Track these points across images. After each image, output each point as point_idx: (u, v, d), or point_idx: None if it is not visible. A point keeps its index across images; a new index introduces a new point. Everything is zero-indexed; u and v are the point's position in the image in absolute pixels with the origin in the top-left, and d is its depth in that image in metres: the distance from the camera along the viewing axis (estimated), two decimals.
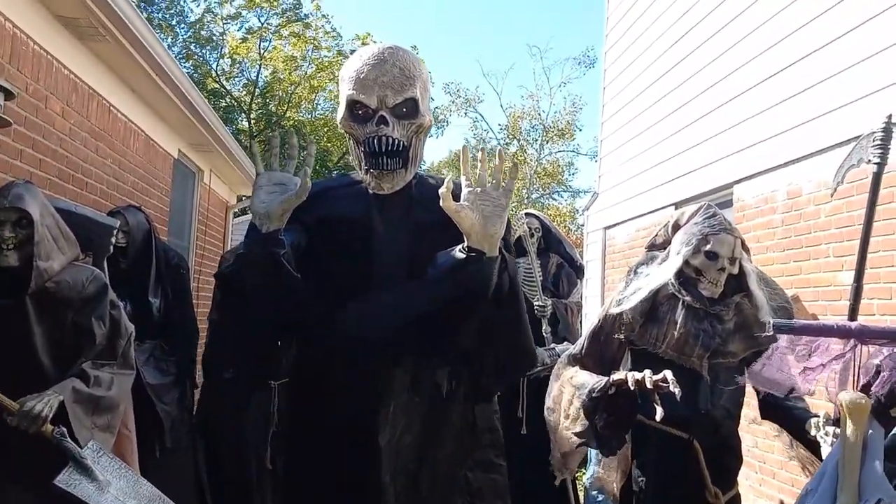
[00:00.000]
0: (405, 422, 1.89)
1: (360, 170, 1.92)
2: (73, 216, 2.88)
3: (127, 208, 3.84)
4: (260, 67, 23.16)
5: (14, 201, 2.37)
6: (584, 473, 3.96)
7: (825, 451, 2.24)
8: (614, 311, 2.69)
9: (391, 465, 1.86)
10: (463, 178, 1.74)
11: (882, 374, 1.84)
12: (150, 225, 3.83)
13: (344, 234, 1.92)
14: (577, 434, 2.61)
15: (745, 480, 2.68)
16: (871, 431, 1.85)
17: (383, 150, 1.83)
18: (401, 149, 1.86)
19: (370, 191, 1.94)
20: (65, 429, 2.30)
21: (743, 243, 2.62)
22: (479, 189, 1.71)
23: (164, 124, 6.45)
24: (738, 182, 5.37)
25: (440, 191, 1.66)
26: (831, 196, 3.04)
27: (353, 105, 1.88)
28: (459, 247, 1.73)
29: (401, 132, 1.85)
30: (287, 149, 1.77)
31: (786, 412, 2.50)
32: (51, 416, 2.26)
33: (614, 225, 8.04)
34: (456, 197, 1.71)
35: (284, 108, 23.09)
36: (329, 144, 23.07)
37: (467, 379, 1.98)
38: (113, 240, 3.20)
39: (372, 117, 1.85)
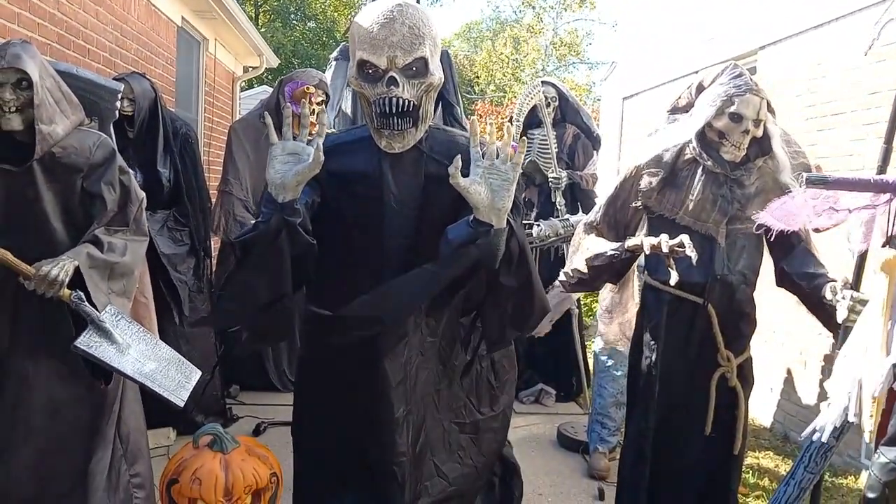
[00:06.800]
0: (420, 360, 2.01)
1: (371, 128, 1.97)
2: (75, 79, 2.77)
3: (131, 75, 3.72)
4: None
5: (12, 61, 2.26)
6: (593, 342, 4.02)
7: (841, 315, 2.24)
8: (631, 166, 2.66)
9: (404, 401, 1.98)
10: (472, 151, 1.76)
11: None
12: (156, 93, 3.72)
13: (356, 188, 1.98)
14: (572, 271, 2.67)
15: (754, 348, 2.71)
16: None
17: (394, 110, 1.87)
18: (411, 109, 1.89)
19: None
20: (82, 293, 2.30)
21: (768, 104, 2.52)
22: (487, 162, 1.74)
23: None
24: (762, 48, 5.17)
25: (449, 169, 1.71)
26: (865, 54, 2.90)
27: (363, 65, 1.90)
28: (467, 220, 1.78)
29: (411, 92, 1.88)
30: (302, 118, 1.80)
31: (803, 278, 2.48)
32: (67, 280, 2.25)
33: (633, 95, 7.83)
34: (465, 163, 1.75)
35: None
36: (336, 14, 22.27)
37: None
38: (118, 104, 3.09)
39: (382, 77, 1.87)
